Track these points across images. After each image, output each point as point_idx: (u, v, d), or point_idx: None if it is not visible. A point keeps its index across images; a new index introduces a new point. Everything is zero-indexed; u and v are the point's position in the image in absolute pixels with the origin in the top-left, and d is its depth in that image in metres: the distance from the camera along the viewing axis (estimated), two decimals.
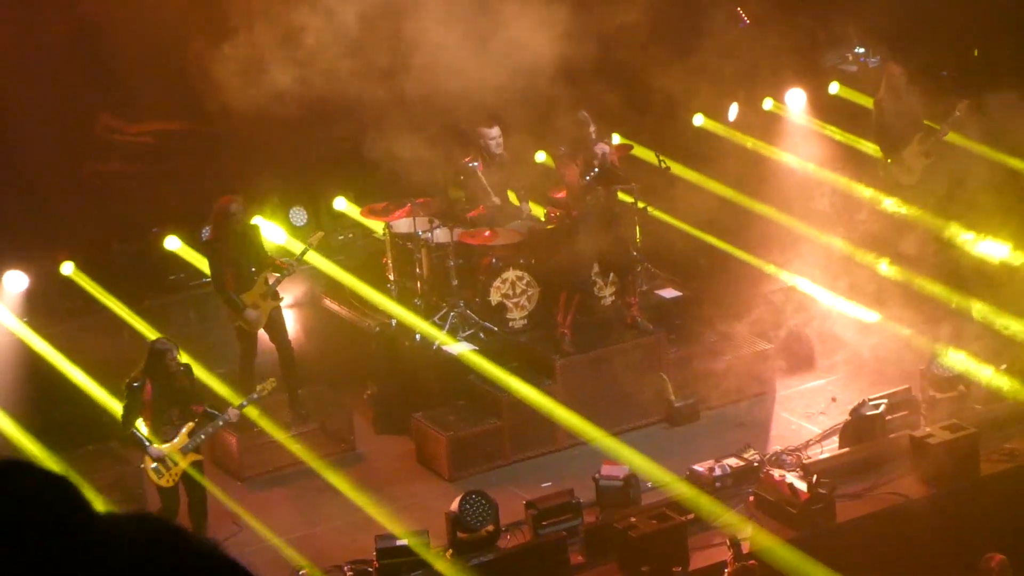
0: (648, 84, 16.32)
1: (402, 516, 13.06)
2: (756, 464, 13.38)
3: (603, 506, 13.09)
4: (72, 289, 15.25)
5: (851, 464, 13.52)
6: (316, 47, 14.88)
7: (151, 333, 14.28)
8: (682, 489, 13.14)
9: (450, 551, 12.49)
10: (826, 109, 18.42)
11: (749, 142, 17.96)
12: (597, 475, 13.20)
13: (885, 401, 13.93)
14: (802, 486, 12.68)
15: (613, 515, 12.73)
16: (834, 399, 14.87)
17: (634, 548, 12.20)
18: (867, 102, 17.49)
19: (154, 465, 12.56)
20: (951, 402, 14.27)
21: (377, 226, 16.01)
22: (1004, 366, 14.41)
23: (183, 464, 12.61)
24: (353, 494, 13.51)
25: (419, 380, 14.92)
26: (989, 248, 15.91)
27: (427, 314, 15.03)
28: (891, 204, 16.63)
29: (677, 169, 16.56)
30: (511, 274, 14.99)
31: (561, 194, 14.94)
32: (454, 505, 12.55)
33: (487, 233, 15.15)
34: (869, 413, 13.84)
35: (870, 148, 17.49)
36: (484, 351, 14.64)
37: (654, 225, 15.91)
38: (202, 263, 15.06)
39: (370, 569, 12.44)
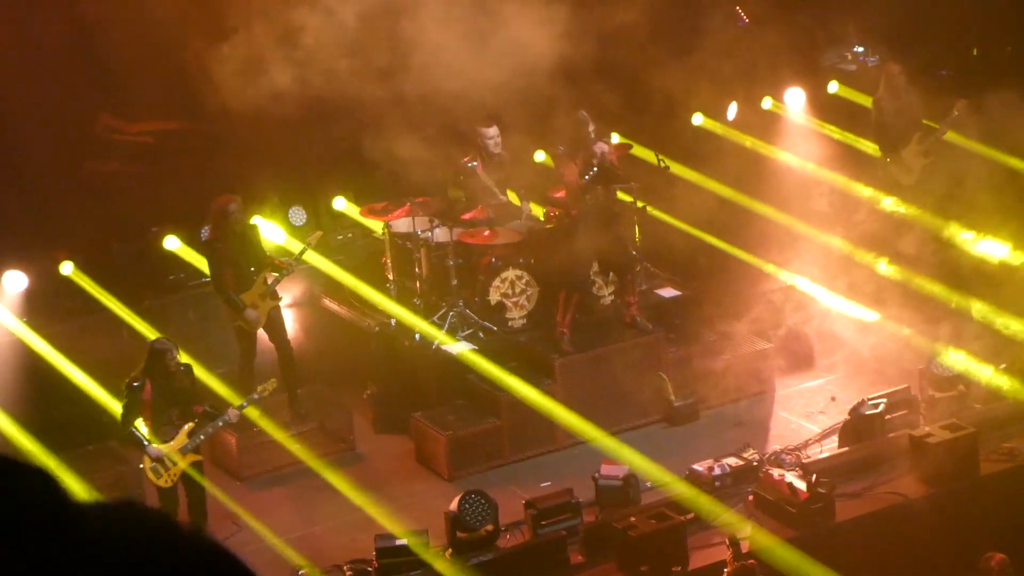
0: (647, 83, 16.32)
1: (401, 516, 13.06)
2: (755, 463, 13.38)
3: (602, 506, 13.09)
4: (72, 289, 15.25)
5: (850, 463, 13.52)
6: (315, 47, 14.88)
7: (151, 333, 14.28)
8: (681, 489, 13.13)
9: (449, 551, 12.49)
10: (825, 108, 18.42)
11: (748, 141, 17.96)
12: (596, 475, 13.20)
13: (884, 400, 13.93)
14: (801, 485, 12.68)
15: (612, 515, 12.73)
16: (833, 398, 14.87)
17: (633, 548, 12.20)
18: (866, 101, 17.49)
19: (152, 465, 12.55)
20: (951, 401, 14.27)
21: (376, 226, 16.01)
22: (1004, 366, 14.41)
23: (182, 464, 12.60)
24: (352, 494, 13.51)
25: (418, 380, 14.92)
26: (988, 248, 15.92)
27: (426, 314, 15.03)
28: (890, 203, 16.64)
29: (676, 168, 16.56)
30: (510, 273, 15.00)
31: (560, 194, 14.94)
32: (453, 505, 12.55)
33: (486, 233, 15.16)
34: (868, 412, 13.84)
35: (869, 147, 17.49)
36: (483, 351, 14.64)
37: (653, 224, 15.91)
38: (201, 263, 15.06)
39: (369, 569, 12.44)
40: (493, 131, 15.34)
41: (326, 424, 14.58)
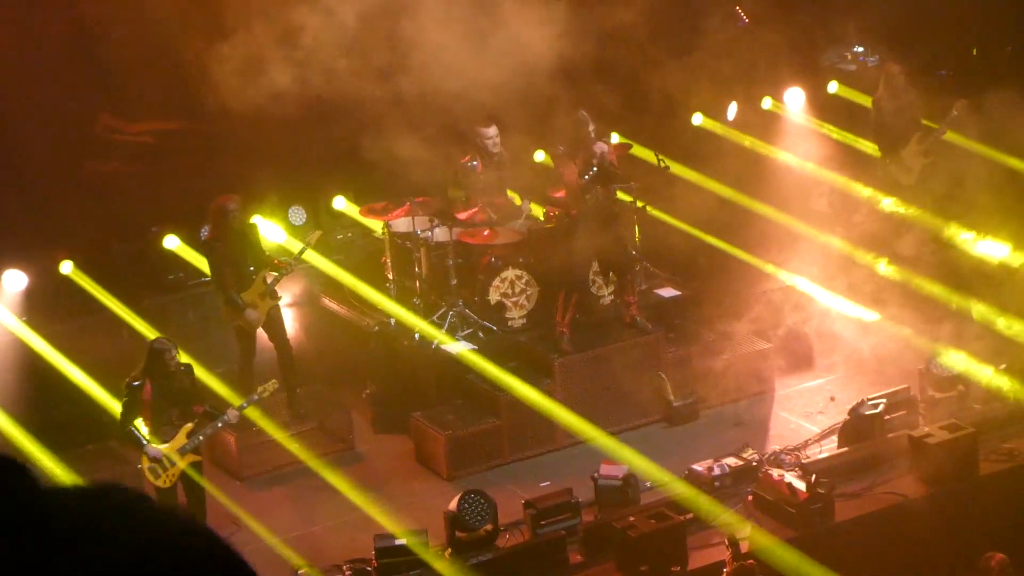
0: (647, 83, 16.33)
1: (401, 515, 13.06)
2: (755, 464, 13.38)
3: (602, 505, 13.09)
4: (71, 288, 15.25)
5: (850, 464, 13.52)
6: (315, 46, 14.88)
7: (150, 332, 14.27)
8: (681, 488, 13.13)
9: (449, 550, 12.48)
10: (825, 108, 18.43)
11: (748, 141, 17.96)
12: (596, 474, 13.20)
13: (884, 401, 13.93)
14: (801, 486, 12.68)
15: (612, 514, 12.73)
16: (833, 398, 14.87)
17: (633, 547, 12.20)
18: (866, 101, 17.49)
19: (150, 465, 12.53)
20: (950, 402, 14.28)
21: (376, 225, 16.01)
22: (1003, 366, 14.40)
23: (181, 464, 12.59)
24: (352, 493, 13.50)
25: (418, 379, 14.92)
26: (988, 248, 15.91)
27: (426, 313, 15.03)
28: (890, 204, 16.64)
29: (676, 168, 16.55)
30: (510, 273, 15.00)
31: (560, 193, 14.94)
32: (453, 504, 12.55)
33: (486, 232, 15.16)
34: (868, 413, 13.84)
35: (869, 147, 17.50)
36: (483, 350, 14.64)
37: (653, 224, 15.91)
38: (201, 262, 15.07)
39: (369, 568, 12.43)
40: (492, 131, 15.34)
41: (325, 424, 14.58)
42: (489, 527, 12.53)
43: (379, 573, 12.29)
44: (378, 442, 14.82)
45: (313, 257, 15.33)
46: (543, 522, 12.64)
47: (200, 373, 13.39)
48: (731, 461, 13.42)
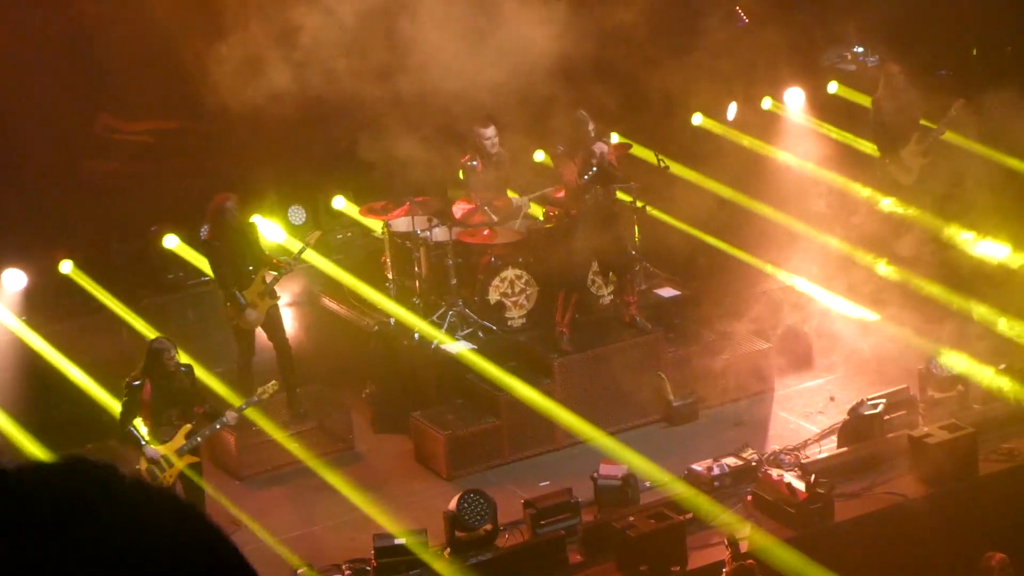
0: (646, 83, 16.32)
1: (400, 515, 13.06)
2: (754, 463, 13.37)
3: (601, 505, 13.09)
4: (71, 288, 15.25)
5: (849, 464, 13.51)
6: (314, 46, 14.88)
7: (150, 332, 14.28)
8: (680, 488, 13.13)
9: (448, 550, 12.48)
10: (825, 108, 18.43)
11: (747, 141, 17.96)
12: (595, 474, 13.19)
13: (884, 401, 13.92)
14: (800, 486, 12.68)
15: (611, 514, 12.72)
16: (832, 398, 14.87)
17: (632, 547, 12.20)
18: (866, 101, 17.49)
19: (148, 467, 12.51)
20: (950, 402, 14.27)
21: (376, 225, 16.00)
22: (1003, 366, 14.40)
23: (179, 465, 12.58)
24: (351, 493, 13.50)
25: (417, 379, 14.92)
26: (988, 248, 15.91)
27: (426, 313, 15.03)
28: (889, 204, 16.64)
29: (676, 168, 16.55)
30: (510, 273, 14.99)
31: (560, 193, 14.94)
32: (452, 504, 12.54)
33: (486, 232, 15.16)
34: (867, 412, 13.83)
35: (868, 148, 17.49)
36: (482, 350, 14.64)
37: (653, 224, 15.90)
38: (201, 262, 15.08)
39: (368, 568, 12.43)
40: (491, 131, 15.33)
41: (325, 423, 14.58)
42: (489, 527, 12.52)
43: (378, 573, 12.29)
44: (378, 442, 14.82)
45: (313, 257, 15.33)
46: (543, 522, 12.64)
47: (200, 373, 13.39)
48: (731, 461, 13.41)
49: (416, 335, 14.90)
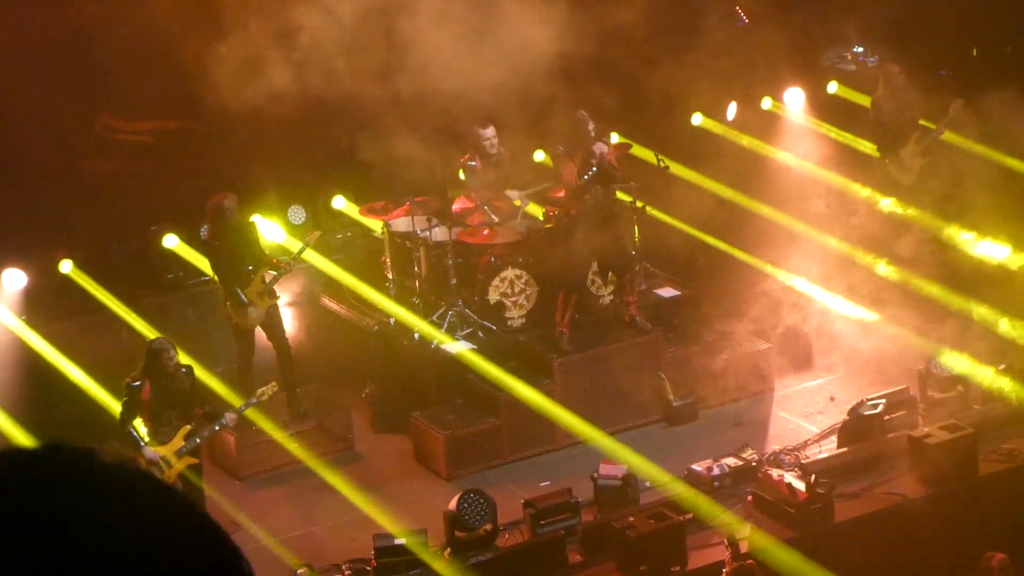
0: (646, 83, 16.32)
1: (400, 515, 13.06)
2: (754, 464, 13.37)
3: (601, 505, 13.08)
4: (71, 287, 15.25)
5: (849, 464, 13.51)
6: (313, 46, 14.88)
7: (149, 332, 14.28)
8: (680, 489, 13.13)
9: (448, 550, 12.48)
10: (824, 108, 18.42)
11: (747, 141, 17.96)
12: (595, 474, 13.19)
13: (883, 401, 13.92)
14: (800, 486, 12.67)
15: (611, 514, 12.72)
16: (832, 399, 14.87)
17: (632, 547, 12.19)
18: (865, 101, 17.48)
19: (146, 468, 12.50)
20: (950, 402, 14.27)
21: (376, 225, 16.00)
22: (1003, 367, 14.40)
23: (178, 466, 12.57)
24: (351, 493, 13.50)
25: (417, 379, 14.92)
26: (988, 249, 15.91)
27: (425, 313, 15.02)
28: (889, 204, 16.63)
29: (675, 168, 16.55)
30: (510, 273, 14.99)
31: (559, 193, 14.94)
32: (452, 504, 12.54)
33: (485, 232, 15.16)
34: (867, 413, 13.83)
35: (868, 148, 17.48)
36: (482, 350, 14.63)
37: (652, 224, 15.90)
38: (200, 262, 15.07)
39: (368, 568, 12.43)
40: (490, 131, 15.33)
41: (325, 423, 14.58)
42: (488, 527, 12.52)
43: (378, 573, 12.29)
44: (377, 442, 14.82)
45: (313, 257, 15.33)
46: (542, 522, 12.64)
47: (200, 373, 13.39)
48: (730, 461, 13.41)
49: (416, 335, 14.90)
